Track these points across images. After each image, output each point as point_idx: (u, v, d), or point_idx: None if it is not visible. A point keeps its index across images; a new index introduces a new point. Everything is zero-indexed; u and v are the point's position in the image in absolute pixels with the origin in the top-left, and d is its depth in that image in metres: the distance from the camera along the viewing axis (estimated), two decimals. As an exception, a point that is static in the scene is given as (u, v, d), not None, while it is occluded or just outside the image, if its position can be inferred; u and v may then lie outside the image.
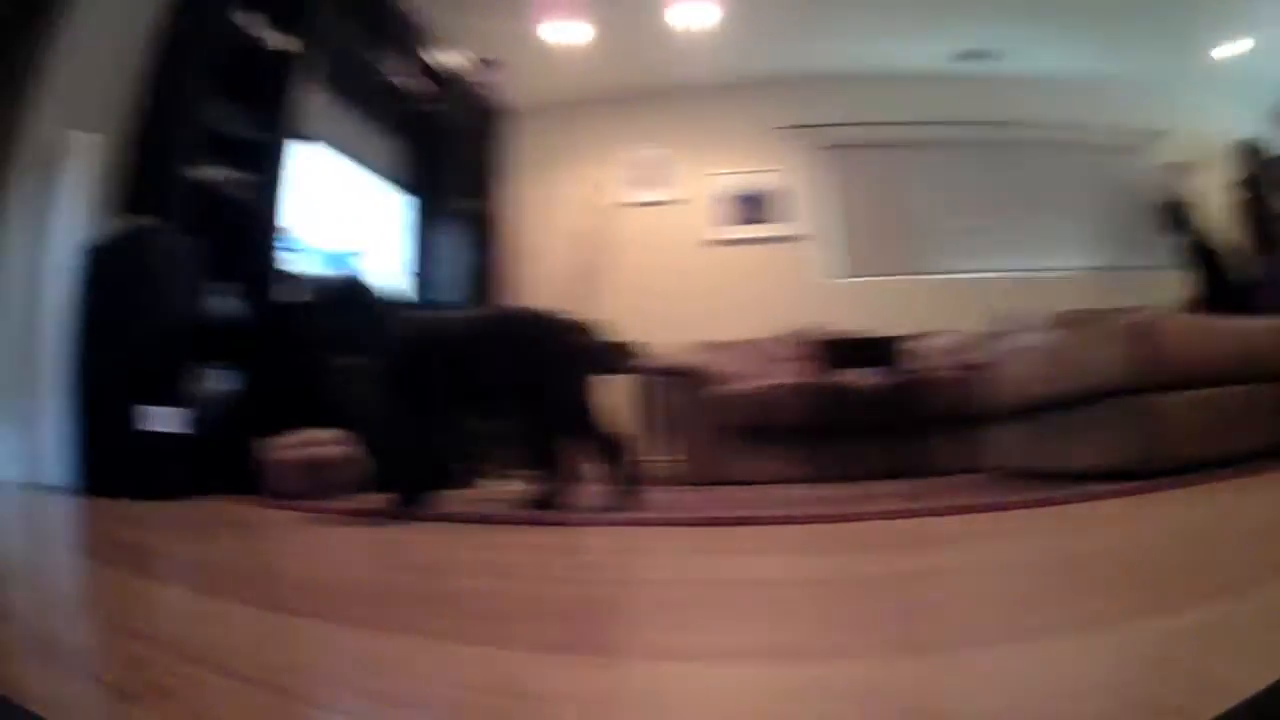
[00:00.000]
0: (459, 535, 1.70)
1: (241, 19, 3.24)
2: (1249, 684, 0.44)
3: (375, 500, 2.18)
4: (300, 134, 3.49)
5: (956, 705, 0.51)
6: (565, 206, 5.83)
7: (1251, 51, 5.17)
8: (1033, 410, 2.73)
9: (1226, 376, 2.31)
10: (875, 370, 4.09)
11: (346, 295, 2.06)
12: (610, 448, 2.16)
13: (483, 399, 2.20)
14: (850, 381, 4.19)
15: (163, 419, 2.56)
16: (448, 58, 4.79)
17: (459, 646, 0.66)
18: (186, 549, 1.51)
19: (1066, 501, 1.78)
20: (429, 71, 4.63)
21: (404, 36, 4.36)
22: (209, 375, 3.06)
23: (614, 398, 4.57)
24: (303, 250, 3.62)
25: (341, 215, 4.06)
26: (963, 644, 0.64)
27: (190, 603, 0.92)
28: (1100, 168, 5.52)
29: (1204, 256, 5.31)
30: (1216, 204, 5.46)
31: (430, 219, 4.82)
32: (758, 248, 5.63)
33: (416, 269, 4.68)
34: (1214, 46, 5.19)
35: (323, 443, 2.81)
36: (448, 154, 4.90)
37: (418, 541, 1.59)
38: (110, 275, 2.70)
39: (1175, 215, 5.41)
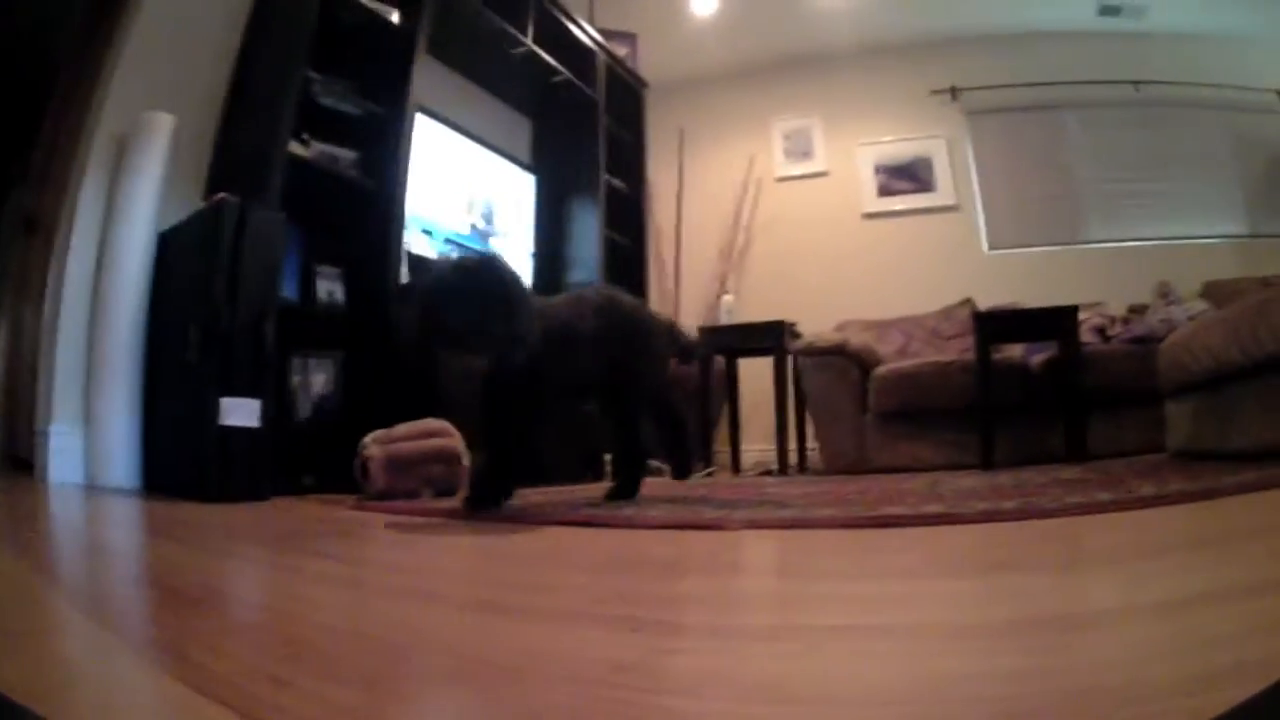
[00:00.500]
0: (589, 537, 1.55)
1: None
2: None
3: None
4: (416, 109, 3.30)
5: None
6: (713, 182, 5.73)
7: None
8: (1219, 382, 2.38)
9: None
10: (1042, 345, 3.74)
11: (479, 281, 1.73)
12: (681, 437, 2.30)
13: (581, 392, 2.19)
14: (1017, 357, 3.86)
15: (245, 412, 2.33)
16: (581, 29, 4.65)
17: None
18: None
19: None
20: (561, 44, 4.44)
21: (535, 5, 4.18)
22: (306, 364, 2.96)
23: (758, 380, 4.52)
24: (419, 231, 3.49)
25: (463, 195, 3.91)
26: None
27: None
28: (1244, 128, 4.96)
29: None
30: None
31: (561, 199, 4.66)
32: (912, 219, 5.33)
33: (544, 250, 4.52)
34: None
35: (432, 435, 2.53)
36: (581, 132, 4.72)
37: (577, 546, 1.47)
38: (185, 255, 2.54)
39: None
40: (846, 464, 3.92)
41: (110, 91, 2.69)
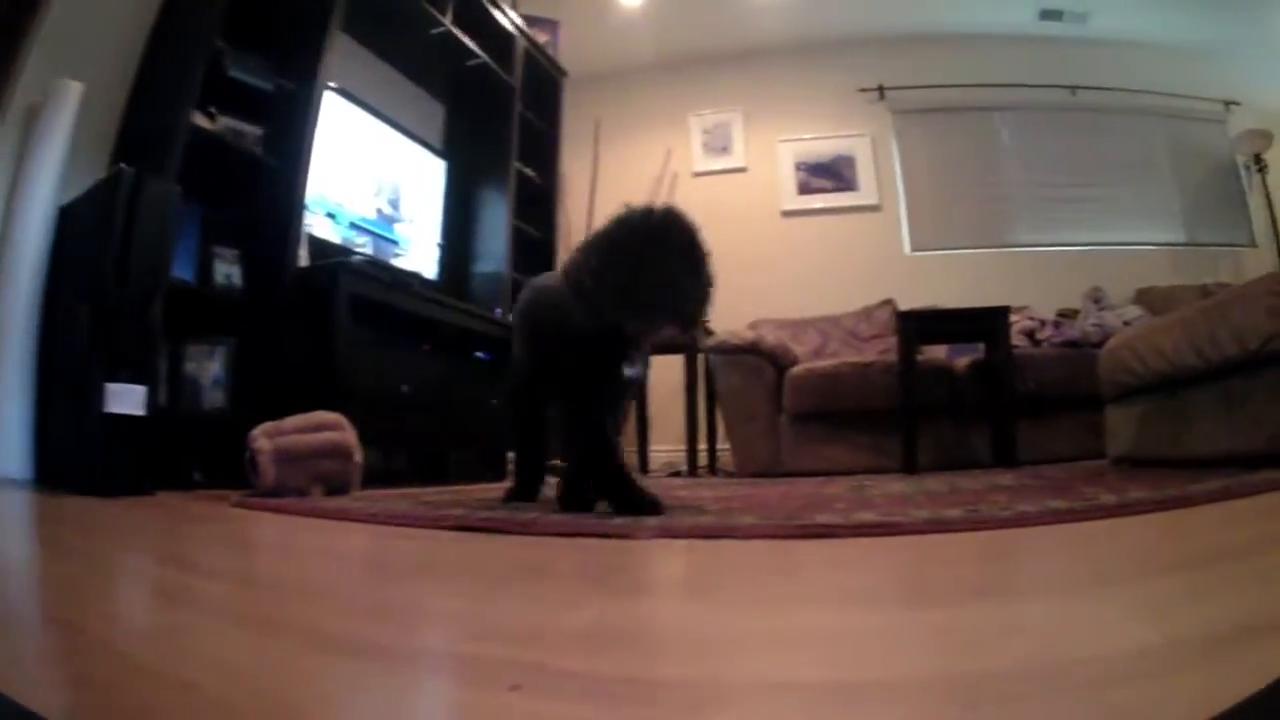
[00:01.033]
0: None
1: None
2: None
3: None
4: (326, 87, 3.12)
5: None
6: (628, 175, 5.51)
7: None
8: (1172, 386, 2.28)
9: None
10: (967, 347, 3.64)
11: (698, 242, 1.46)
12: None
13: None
14: (941, 359, 3.75)
15: (131, 399, 2.11)
16: (502, 13, 4.43)
17: None
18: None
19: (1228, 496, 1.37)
20: (480, 27, 4.24)
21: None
22: (198, 350, 2.72)
23: (668, 378, 4.31)
24: (323, 214, 3.28)
25: (370, 179, 3.68)
26: None
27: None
28: (1187, 137, 5.06)
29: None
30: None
31: (471, 187, 4.44)
32: (832, 218, 5.21)
33: (451, 240, 4.31)
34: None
35: (323, 428, 2.35)
36: (495, 118, 4.50)
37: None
38: (81, 230, 2.32)
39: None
40: (759, 466, 3.74)
41: (28, 63, 2.45)
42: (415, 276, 3.56)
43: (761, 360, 3.82)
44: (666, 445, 4.64)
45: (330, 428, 2.33)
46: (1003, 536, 1.17)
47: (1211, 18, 4.74)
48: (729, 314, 4.45)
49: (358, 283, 2.94)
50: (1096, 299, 4.03)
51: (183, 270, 2.66)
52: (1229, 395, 1.92)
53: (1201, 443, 2.01)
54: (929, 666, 0.51)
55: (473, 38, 4.12)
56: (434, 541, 1.30)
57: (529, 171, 4.73)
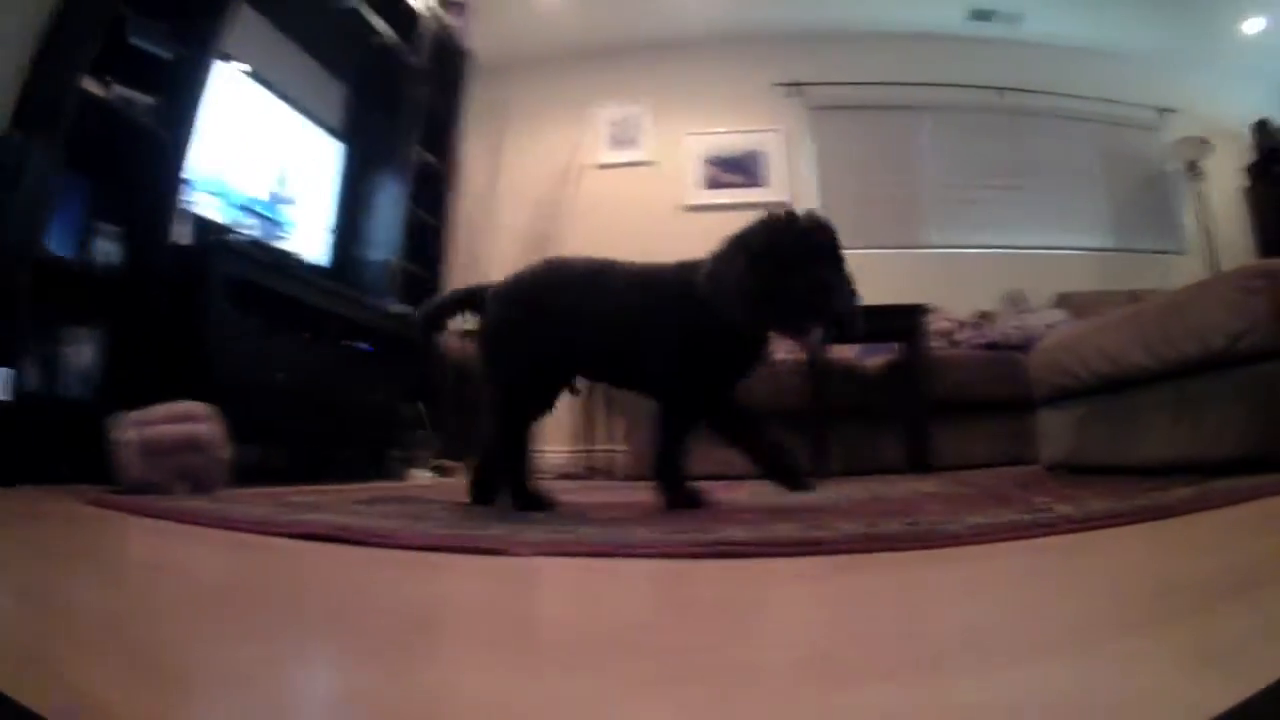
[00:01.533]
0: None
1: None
2: None
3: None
4: (220, 56, 2.95)
5: None
6: (531, 166, 5.27)
7: (1265, 31, 4.87)
8: (1098, 391, 2.13)
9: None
10: (878, 346, 3.46)
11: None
12: None
13: None
14: (851, 359, 3.56)
15: None
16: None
17: None
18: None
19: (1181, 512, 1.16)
20: (387, 5, 4.02)
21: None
22: (72, 332, 2.51)
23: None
24: (210, 191, 3.04)
25: (263, 158, 3.43)
26: None
27: None
28: (1118, 143, 5.08)
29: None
30: (1229, 183, 5.12)
31: (367, 171, 4.18)
32: (738, 213, 4.97)
33: (343, 225, 4.05)
34: (1231, 24, 4.87)
35: (189, 419, 2.16)
36: (397, 101, 4.26)
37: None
38: None
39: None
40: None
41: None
42: (297, 259, 3.36)
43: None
44: (561, 446, 4.35)
45: (195, 419, 2.17)
46: (960, 556, 0.91)
47: (1149, 25, 4.79)
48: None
49: (236, 264, 2.78)
50: (1016, 301, 3.95)
51: (61, 247, 2.51)
52: (1184, 398, 1.75)
53: (1151, 448, 1.83)
54: None
55: (379, 15, 3.96)
56: (267, 554, 1.06)
57: (429, 158, 4.53)
